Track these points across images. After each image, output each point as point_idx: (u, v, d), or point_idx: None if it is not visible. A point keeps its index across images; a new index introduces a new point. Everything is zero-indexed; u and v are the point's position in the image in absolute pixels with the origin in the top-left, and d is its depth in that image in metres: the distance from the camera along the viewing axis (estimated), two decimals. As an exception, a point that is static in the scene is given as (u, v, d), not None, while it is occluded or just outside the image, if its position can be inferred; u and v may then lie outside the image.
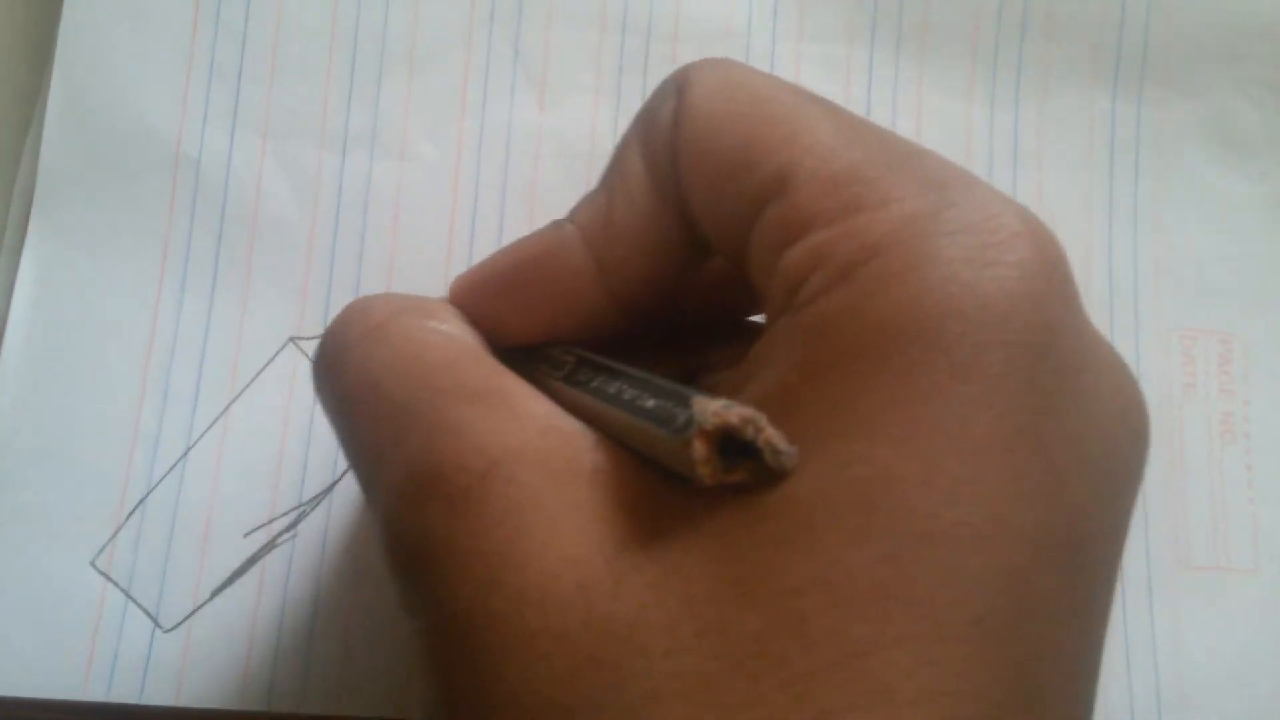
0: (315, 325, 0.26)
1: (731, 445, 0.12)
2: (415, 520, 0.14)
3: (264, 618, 0.24)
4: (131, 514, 0.24)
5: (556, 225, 0.17)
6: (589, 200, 0.17)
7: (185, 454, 0.25)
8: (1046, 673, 0.12)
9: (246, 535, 0.24)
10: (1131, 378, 0.14)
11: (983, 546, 0.11)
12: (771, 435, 0.12)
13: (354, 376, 0.16)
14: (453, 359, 0.16)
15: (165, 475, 0.25)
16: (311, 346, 0.25)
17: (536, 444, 0.14)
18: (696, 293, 0.19)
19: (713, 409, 0.12)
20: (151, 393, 0.25)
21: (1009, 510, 0.12)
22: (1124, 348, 0.25)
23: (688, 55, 0.27)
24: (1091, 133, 0.27)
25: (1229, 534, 0.25)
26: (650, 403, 0.14)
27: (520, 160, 0.27)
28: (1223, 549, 0.25)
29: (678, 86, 0.16)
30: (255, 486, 0.25)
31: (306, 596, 0.24)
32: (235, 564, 0.24)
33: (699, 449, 0.12)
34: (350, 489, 0.25)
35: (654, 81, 0.27)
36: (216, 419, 0.25)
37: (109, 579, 0.24)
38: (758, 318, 0.20)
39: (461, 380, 0.15)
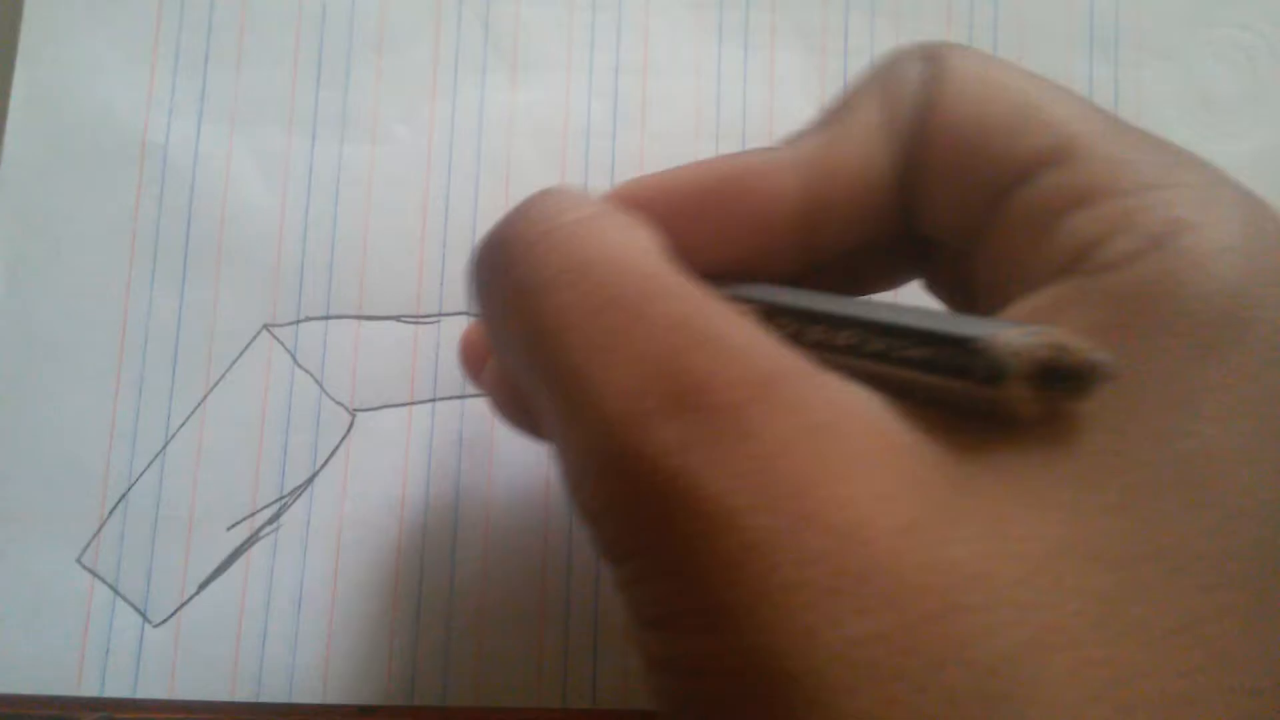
0: (288, 312, 0.25)
1: (1045, 374, 0.12)
2: (665, 435, 0.12)
3: (251, 609, 0.24)
4: (114, 510, 0.24)
5: (766, 149, 0.16)
6: (805, 134, 0.17)
7: (164, 448, 0.25)
8: None
9: (229, 528, 0.24)
10: None
11: None
12: (1087, 354, 0.12)
13: (554, 261, 0.14)
14: (676, 270, 0.14)
15: (145, 470, 0.25)
16: (286, 334, 0.25)
17: (805, 370, 0.13)
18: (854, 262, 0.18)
19: (1016, 348, 0.11)
20: (126, 385, 0.25)
21: None
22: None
23: (660, 28, 0.27)
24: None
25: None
26: (916, 353, 0.12)
27: (494, 139, 0.26)
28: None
29: (926, 54, 0.16)
30: (236, 478, 0.25)
31: (291, 587, 0.24)
32: (220, 557, 0.24)
33: (1020, 395, 0.11)
34: (332, 479, 0.25)
35: (627, 55, 0.27)
36: (194, 411, 0.25)
37: (96, 575, 0.24)
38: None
39: (696, 289, 0.14)
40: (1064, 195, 0.14)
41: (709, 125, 0.27)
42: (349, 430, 0.25)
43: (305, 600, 0.24)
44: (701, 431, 0.12)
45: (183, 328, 0.25)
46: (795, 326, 0.14)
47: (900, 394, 0.13)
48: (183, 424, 0.25)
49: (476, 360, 0.20)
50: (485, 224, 0.25)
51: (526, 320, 0.14)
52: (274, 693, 0.23)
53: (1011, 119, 0.15)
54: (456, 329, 0.25)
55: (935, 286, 0.18)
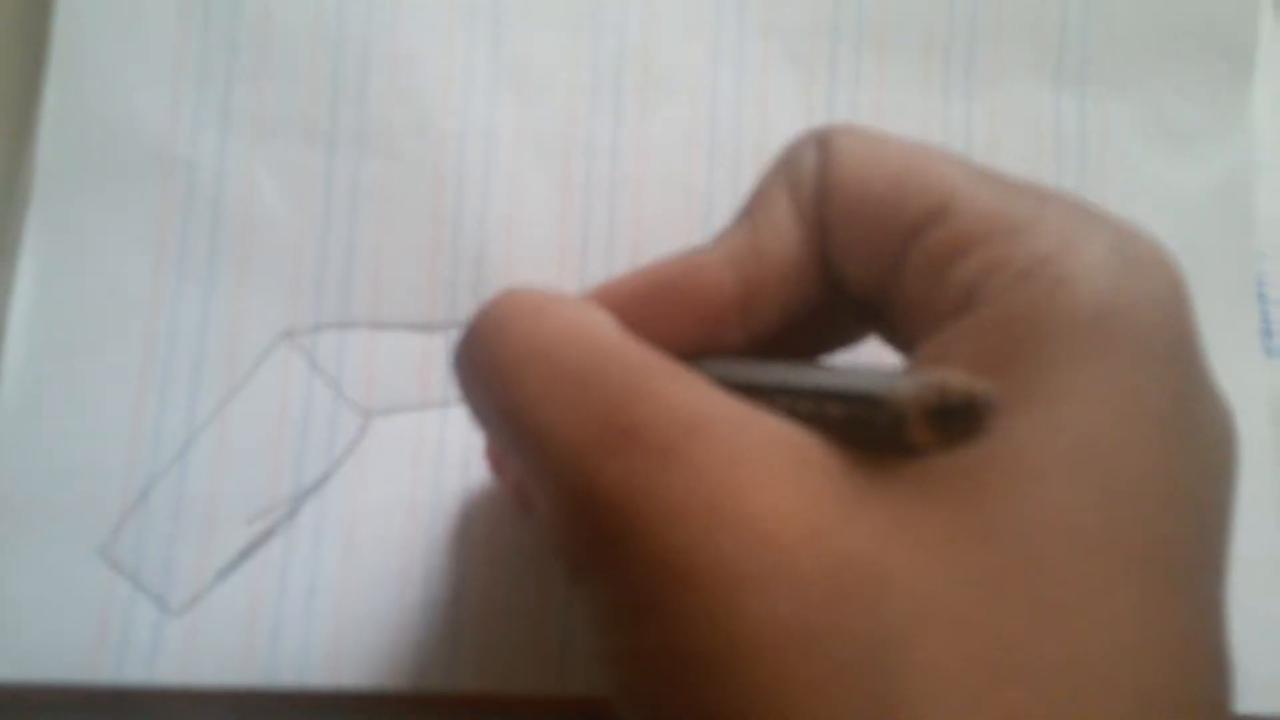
0: (308, 319, 0.27)
1: (938, 414, 0.13)
2: (609, 471, 0.14)
3: (265, 599, 0.25)
4: (137, 505, 0.25)
5: (701, 249, 0.19)
6: (733, 231, 0.19)
7: (186, 446, 0.26)
8: (1215, 619, 0.14)
9: (248, 523, 0.26)
10: (1225, 399, 0.16)
11: (1166, 504, 0.14)
12: (973, 390, 0.13)
13: (518, 345, 0.16)
14: (621, 340, 0.16)
15: (168, 467, 0.26)
16: (305, 340, 0.27)
17: (735, 413, 0.15)
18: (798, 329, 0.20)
19: (909, 398, 0.13)
20: (151, 387, 0.26)
21: (1180, 478, 0.14)
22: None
23: (659, 51, 0.28)
24: (1039, 127, 0.28)
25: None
26: (837, 410, 0.15)
27: (501, 156, 0.28)
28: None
29: (818, 139, 0.18)
30: (254, 476, 0.26)
31: (305, 579, 0.25)
32: (237, 550, 0.25)
33: (921, 437, 0.13)
34: (346, 478, 0.26)
35: (628, 77, 0.28)
36: (215, 412, 0.26)
37: (117, 567, 0.25)
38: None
39: (638, 354, 0.16)
40: (947, 248, 0.16)
41: (704, 144, 0.28)
42: (363, 431, 0.26)
43: (318, 591, 0.25)
44: (638, 466, 0.14)
45: (206, 333, 0.26)
46: (744, 394, 0.16)
47: (837, 436, 0.15)
48: (204, 424, 0.26)
49: (499, 463, 0.24)
50: (494, 236, 0.27)
51: (498, 396, 0.16)
52: (286, 679, 0.25)
53: (895, 187, 0.17)
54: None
55: (887, 339, 0.20)
